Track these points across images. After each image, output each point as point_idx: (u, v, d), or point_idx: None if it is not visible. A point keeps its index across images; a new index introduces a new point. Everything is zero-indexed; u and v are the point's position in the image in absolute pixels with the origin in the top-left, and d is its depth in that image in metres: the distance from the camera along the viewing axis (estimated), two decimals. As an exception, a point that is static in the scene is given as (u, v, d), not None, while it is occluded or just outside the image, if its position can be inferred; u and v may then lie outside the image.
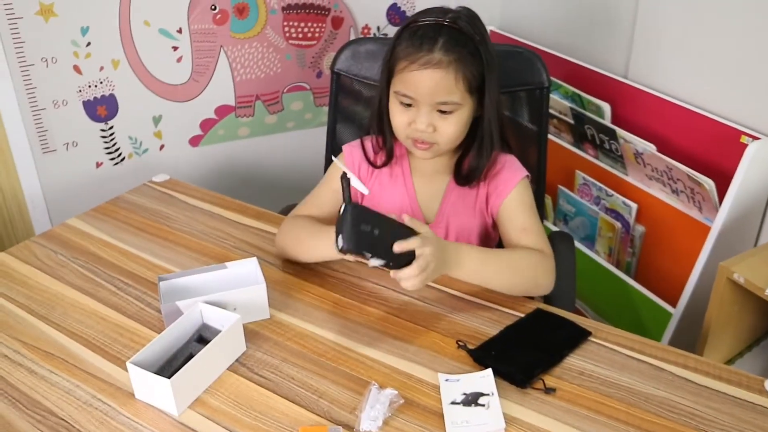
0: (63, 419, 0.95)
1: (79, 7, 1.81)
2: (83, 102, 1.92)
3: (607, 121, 1.86)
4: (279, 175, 2.30)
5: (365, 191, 1.16)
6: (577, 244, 1.92)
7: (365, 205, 1.04)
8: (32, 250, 1.34)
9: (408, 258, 1.02)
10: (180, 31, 1.97)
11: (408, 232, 1.04)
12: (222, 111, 2.14)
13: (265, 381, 1.02)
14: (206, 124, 2.14)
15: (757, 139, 1.52)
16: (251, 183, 2.26)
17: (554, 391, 0.99)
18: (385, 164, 1.29)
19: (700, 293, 1.57)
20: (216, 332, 1.05)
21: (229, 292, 1.11)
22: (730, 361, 1.53)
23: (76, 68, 1.87)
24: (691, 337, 1.55)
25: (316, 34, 2.16)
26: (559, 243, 1.49)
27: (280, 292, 1.21)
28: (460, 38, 1.13)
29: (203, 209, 1.48)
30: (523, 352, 1.06)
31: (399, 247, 1.01)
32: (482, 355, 1.05)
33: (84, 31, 1.85)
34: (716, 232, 1.54)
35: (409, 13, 2.21)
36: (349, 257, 1.04)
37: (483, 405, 0.95)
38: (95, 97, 1.93)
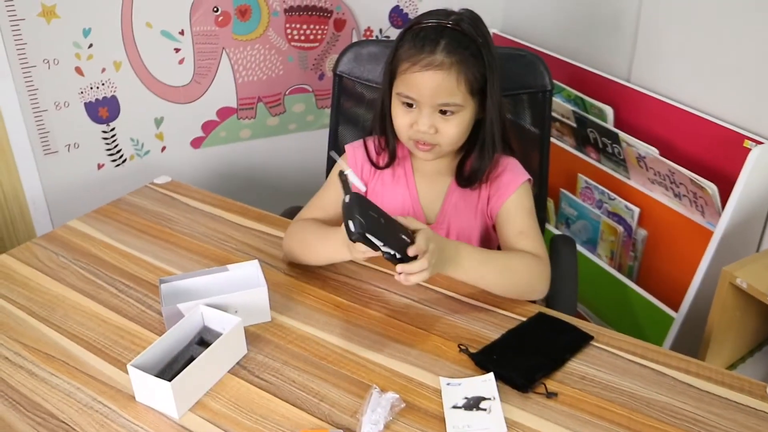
0: (63, 422, 0.95)
1: (82, 9, 1.81)
2: (85, 103, 1.92)
3: (609, 125, 1.85)
4: (281, 178, 2.30)
5: (362, 188, 1.16)
6: (579, 248, 1.91)
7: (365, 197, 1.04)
8: (33, 251, 1.34)
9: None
10: (182, 32, 1.97)
11: (404, 229, 1.04)
12: (224, 113, 2.14)
13: (266, 384, 1.01)
14: (208, 126, 2.14)
15: (761, 143, 1.51)
16: (253, 185, 2.26)
17: (556, 395, 0.99)
18: (387, 165, 1.30)
19: (703, 298, 1.56)
20: (217, 335, 1.05)
21: (231, 295, 1.11)
22: (732, 366, 1.52)
23: (78, 70, 1.87)
24: (693, 342, 1.55)
25: (319, 36, 2.16)
26: (561, 246, 1.49)
27: (282, 294, 1.21)
28: (463, 40, 1.13)
29: (205, 211, 1.47)
30: (524, 357, 1.05)
31: (412, 251, 1.01)
32: (484, 359, 1.04)
33: (86, 32, 1.85)
34: (719, 237, 1.54)
35: (411, 16, 2.21)
36: (361, 249, 1.03)
37: (485, 409, 0.95)
38: (97, 99, 1.93)
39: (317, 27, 2.14)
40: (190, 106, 2.08)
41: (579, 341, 1.09)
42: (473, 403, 0.96)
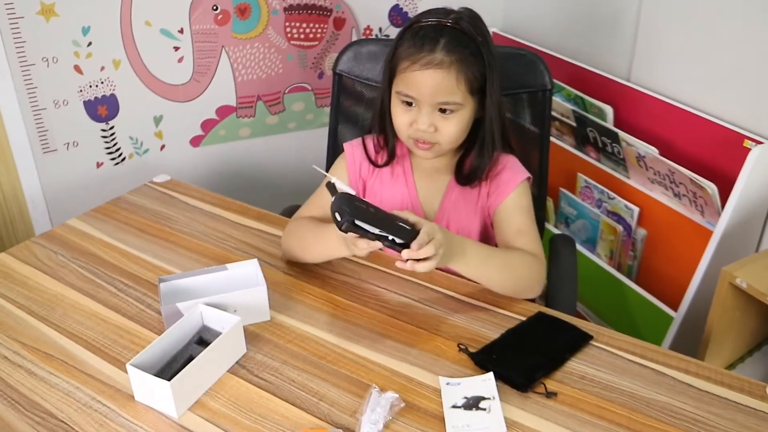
0: (62, 421, 0.95)
1: (81, 7, 1.81)
2: (84, 102, 1.91)
3: (609, 124, 1.85)
4: (280, 176, 2.30)
5: (352, 193, 1.16)
6: (579, 247, 1.91)
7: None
8: (32, 250, 1.34)
9: (411, 238, 1.01)
10: (181, 31, 1.97)
11: (403, 220, 1.03)
12: (223, 111, 2.14)
13: (265, 383, 1.01)
14: (207, 125, 2.13)
15: (760, 143, 1.51)
16: (252, 184, 2.26)
17: (555, 395, 0.99)
18: (386, 164, 1.30)
19: (702, 297, 1.56)
20: (216, 334, 1.05)
21: (230, 294, 1.11)
22: (731, 366, 1.52)
23: (77, 68, 1.87)
24: (692, 342, 1.55)
25: (318, 35, 2.16)
26: (561, 246, 1.49)
27: (281, 293, 1.21)
28: (462, 39, 1.13)
29: (204, 210, 1.47)
30: (524, 356, 1.05)
31: (416, 244, 1.00)
32: (483, 359, 1.04)
33: (85, 30, 1.84)
34: (718, 237, 1.53)
35: (411, 14, 2.21)
36: (361, 245, 1.03)
37: (484, 409, 0.95)
38: (96, 97, 1.93)
39: (317, 26, 2.14)
40: (190, 104, 2.08)
41: (578, 341, 1.09)
42: (473, 403, 0.96)
